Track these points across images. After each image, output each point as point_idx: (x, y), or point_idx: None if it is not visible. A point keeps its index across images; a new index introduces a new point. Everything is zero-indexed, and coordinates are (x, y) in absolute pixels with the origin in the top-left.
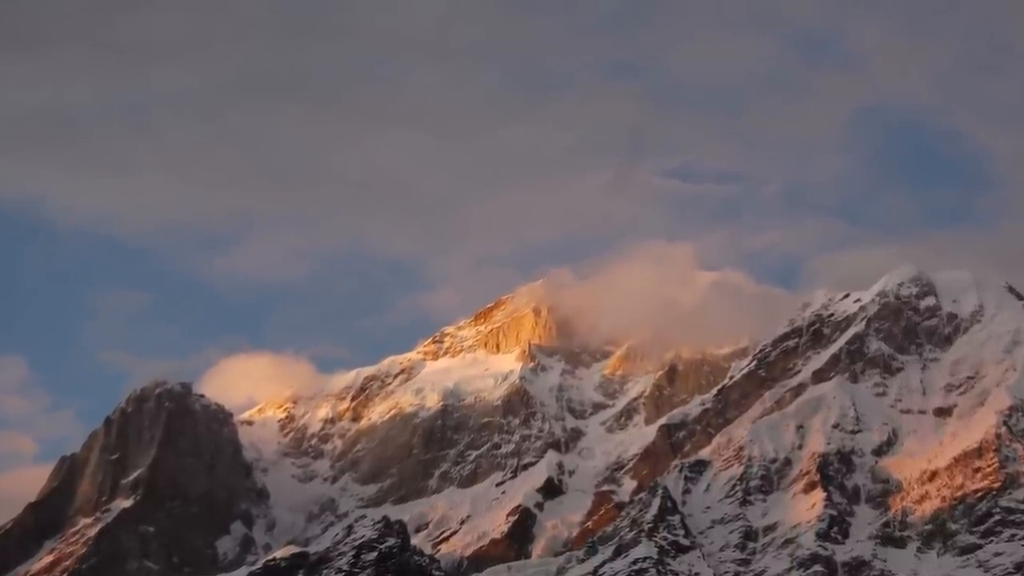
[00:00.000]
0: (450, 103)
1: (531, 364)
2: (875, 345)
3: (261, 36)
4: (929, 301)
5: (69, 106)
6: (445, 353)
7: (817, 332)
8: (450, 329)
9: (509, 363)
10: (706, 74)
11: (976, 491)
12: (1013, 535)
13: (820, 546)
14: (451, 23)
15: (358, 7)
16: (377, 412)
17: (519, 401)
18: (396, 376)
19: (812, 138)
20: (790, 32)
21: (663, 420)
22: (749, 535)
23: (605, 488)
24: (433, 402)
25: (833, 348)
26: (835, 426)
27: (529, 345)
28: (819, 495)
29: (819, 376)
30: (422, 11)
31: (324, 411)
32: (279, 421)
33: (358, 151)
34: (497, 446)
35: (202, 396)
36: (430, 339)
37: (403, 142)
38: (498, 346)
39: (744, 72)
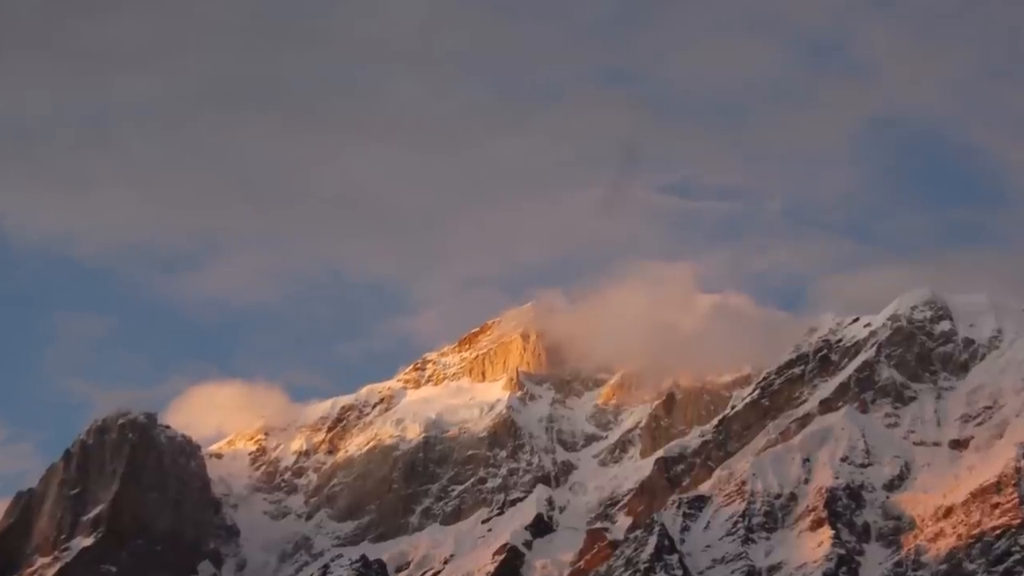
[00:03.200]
0: (433, 114)
1: (519, 393)
2: (886, 373)
3: (231, 42)
4: (944, 326)
5: (25, 117)
6: (427, 381)
7: (824, 359)
8: (433, 355)
9: (495, 392)
10: (706, 83)
11: (994, 528)
12: None
13: None
14: (434, 29)
15: (335, 12)
16: (355, 444)
17: (506, 432)
18: (375, 406)
19: (818, 151)
20: (794, 38)
21: (660, 453)
22: (752, 575)
23: (598, 525)
24: (414, 433)
25: (841, 376)
26: (843, 459)
27: (517, 373)
28: (826, 533)
29: (826, 406)
30: (403, 16)
31: (298, 443)
32: (250, 454)
33: (335, 165)
34: (483, 480)
35: (167, 427)
36: (411, 366)
37: (383, 156)
38: (484, 374)
39: (746, 80)
